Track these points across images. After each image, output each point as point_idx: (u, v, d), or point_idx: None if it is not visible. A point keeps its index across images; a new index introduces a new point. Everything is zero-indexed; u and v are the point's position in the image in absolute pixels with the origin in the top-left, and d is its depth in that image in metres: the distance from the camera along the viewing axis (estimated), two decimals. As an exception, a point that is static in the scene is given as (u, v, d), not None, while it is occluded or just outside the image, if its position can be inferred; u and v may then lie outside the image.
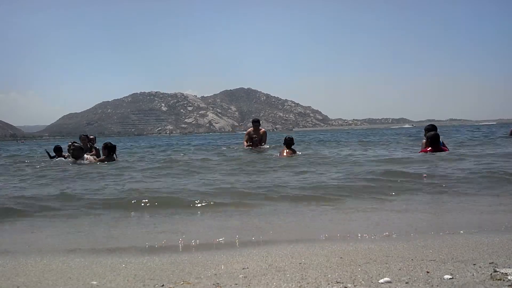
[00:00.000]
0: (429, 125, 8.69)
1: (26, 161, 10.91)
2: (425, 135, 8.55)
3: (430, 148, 7.90)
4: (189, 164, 8.25)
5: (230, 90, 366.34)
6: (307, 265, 2.14)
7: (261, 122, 12.16)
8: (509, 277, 1.79)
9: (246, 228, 3.24)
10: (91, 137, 10.57)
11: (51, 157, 10.20)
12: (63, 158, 9.75)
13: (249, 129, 12.12)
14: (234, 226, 3.34)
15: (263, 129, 11.96)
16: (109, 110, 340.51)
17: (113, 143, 9.28)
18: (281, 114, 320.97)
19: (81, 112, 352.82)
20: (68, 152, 9.14)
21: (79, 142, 9.51)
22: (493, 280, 1.78)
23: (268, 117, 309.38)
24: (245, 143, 11.82)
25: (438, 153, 7.73)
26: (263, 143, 11.64)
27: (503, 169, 5.63)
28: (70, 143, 9.06)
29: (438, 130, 8.71)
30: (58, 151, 10.27)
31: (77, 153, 8.75)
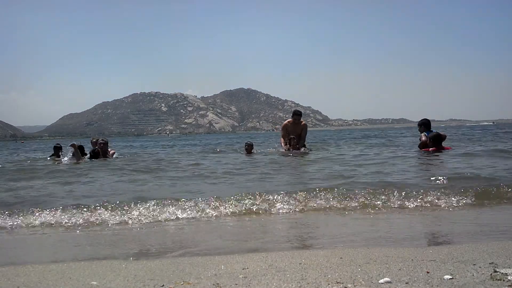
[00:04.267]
0: (422, 119, 8.49)
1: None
2: (419, 130, 8.52)
3: (433, 148, 8.00)
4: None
5: (230, 90, 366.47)
6: (307, 265, 2.14)
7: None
8: (509, 277, 1.79)
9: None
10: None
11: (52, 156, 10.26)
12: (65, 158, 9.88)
13: (285, 122, 10.02)
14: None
15: (303, 122, 9.88)
16: (109, 111, 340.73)
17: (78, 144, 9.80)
18: (281, 114, 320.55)
19: (81, 112, 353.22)
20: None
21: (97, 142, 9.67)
22: (493, 280, 1.78)
23: (268, 117, 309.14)
24: (283, 140, 9.85)
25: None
26: (302, 141, 9.69)
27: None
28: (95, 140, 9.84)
29: (439, 130, 8.76)
30: (56, 149, 10.29)
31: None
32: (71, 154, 9.14)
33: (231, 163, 8.07)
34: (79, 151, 9.12)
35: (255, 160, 8.72)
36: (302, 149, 9.55)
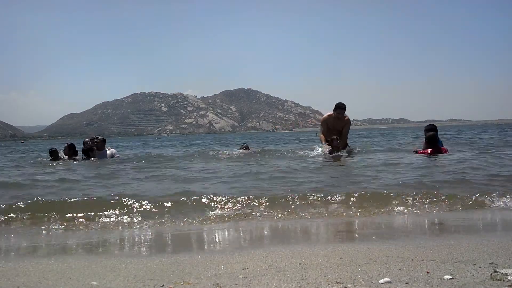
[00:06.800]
0: (428, 125, 8.74)
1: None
2: (424, 135, 8.64)
3: (430, 149, 8.03)
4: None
5: (230, 90, 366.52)
6: (307, 265, 2.14)
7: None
8: (509, 277, 1.79)
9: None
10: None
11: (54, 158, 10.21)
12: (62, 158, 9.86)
13: (325, 116, 8.78)
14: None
15: (347, 117, 8.60)
16: (109, 111, 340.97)
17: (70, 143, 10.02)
18: (281, 114, 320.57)
19: (81, 112, 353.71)
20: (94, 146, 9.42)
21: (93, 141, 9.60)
22: (493, 280, 1.78)
23: (268, 117, 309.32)
24: (323, 137, 8.61)
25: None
26: (344, 140, 8.51)
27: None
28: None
29: (440, 130, 8.82)
30: (54, 153, 10.23)
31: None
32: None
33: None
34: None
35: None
36: (343, 151, 8.28)
